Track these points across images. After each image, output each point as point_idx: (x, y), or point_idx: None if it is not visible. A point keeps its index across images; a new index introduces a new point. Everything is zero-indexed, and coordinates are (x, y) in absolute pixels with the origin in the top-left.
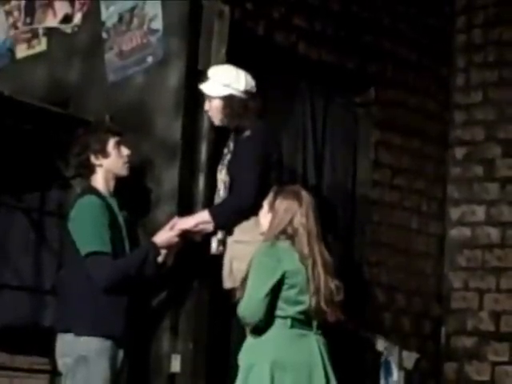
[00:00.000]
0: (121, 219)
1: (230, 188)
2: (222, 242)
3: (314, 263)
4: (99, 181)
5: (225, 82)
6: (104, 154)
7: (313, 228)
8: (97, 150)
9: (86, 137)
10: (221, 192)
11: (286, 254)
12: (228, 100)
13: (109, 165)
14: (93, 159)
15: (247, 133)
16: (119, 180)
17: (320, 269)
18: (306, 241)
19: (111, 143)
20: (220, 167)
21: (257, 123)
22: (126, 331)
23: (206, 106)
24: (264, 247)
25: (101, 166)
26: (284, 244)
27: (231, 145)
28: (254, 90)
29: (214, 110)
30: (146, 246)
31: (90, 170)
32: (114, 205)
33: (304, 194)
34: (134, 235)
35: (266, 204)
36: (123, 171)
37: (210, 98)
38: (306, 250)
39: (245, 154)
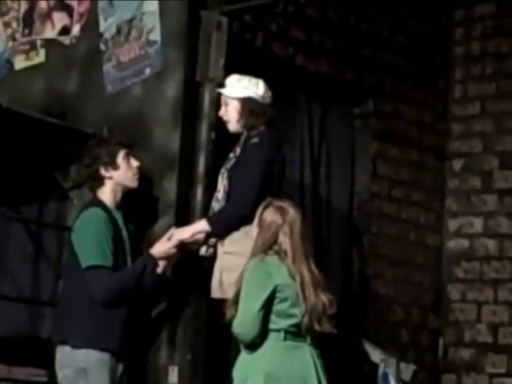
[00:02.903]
0: (124, 233)
1: (229, 193)
2: (212, 245)
3: (303, 281)
4: (106, 193)
5: (244, 85)
6: (114, 166)
7: (298, 246)
8: (107, 162)
9: (96, 149)
10: (219, 195)
11: (275, 268)
12: (246, 101)
13: (118, 177)
14: (102, 171)
15: (255, 140)
16: (126, 193)
17: (310, 285)
18: (291, 259)
19: (121, 155)
20: (223, 171)
21: (265, 132)
22: (123, 344)
23: (222, 111)
24: (253, 263)
25: (110, 178)
26: (273, 258)
27: (238, 150)
28: (271, 99)
29: (231, 113)
30: (143, 259)
31: (99, 182)
32: (118, 218)
33: (291, 210)
34: (137, 249)
35: (256, 217)
36: (133, 183)
37: (228, 101)
38: (292, 268)
39: (249, 161)
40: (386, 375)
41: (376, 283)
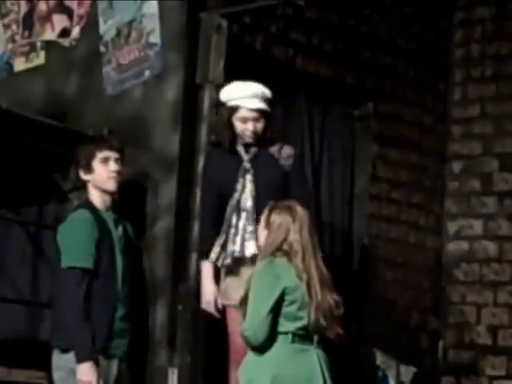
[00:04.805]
0: (115, 234)
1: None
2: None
3: (310, 279)
4: (95, 195)
5: (268, 96)
6: (89, 169)
7: (307, 244)
8: (84, 165)
9: (76, 152)
10: (248, 203)
11: (283, 271)
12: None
13: (94, 180)
14: (81, 174)
15: (288, 150)
16: (114, 194)
17: (317, 284)
18: (301, 257)
19: (97, 158)
20: (242, 181)
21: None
22: (110, 340)
23: (251, 126)
24: (262, 265)
25: (88, 181)
26: (281, 260)
27: (251, 157)
28: None
29: (262, 126)
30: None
31: (83, 185)
32: (108, 220)
33: (299, 209)
34: (136, 251)
35: (262, 220)
36: (108, 186)
37: (261, 116)
38: (301, 266)
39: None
40: (385, 377)
41: (376, 285)
